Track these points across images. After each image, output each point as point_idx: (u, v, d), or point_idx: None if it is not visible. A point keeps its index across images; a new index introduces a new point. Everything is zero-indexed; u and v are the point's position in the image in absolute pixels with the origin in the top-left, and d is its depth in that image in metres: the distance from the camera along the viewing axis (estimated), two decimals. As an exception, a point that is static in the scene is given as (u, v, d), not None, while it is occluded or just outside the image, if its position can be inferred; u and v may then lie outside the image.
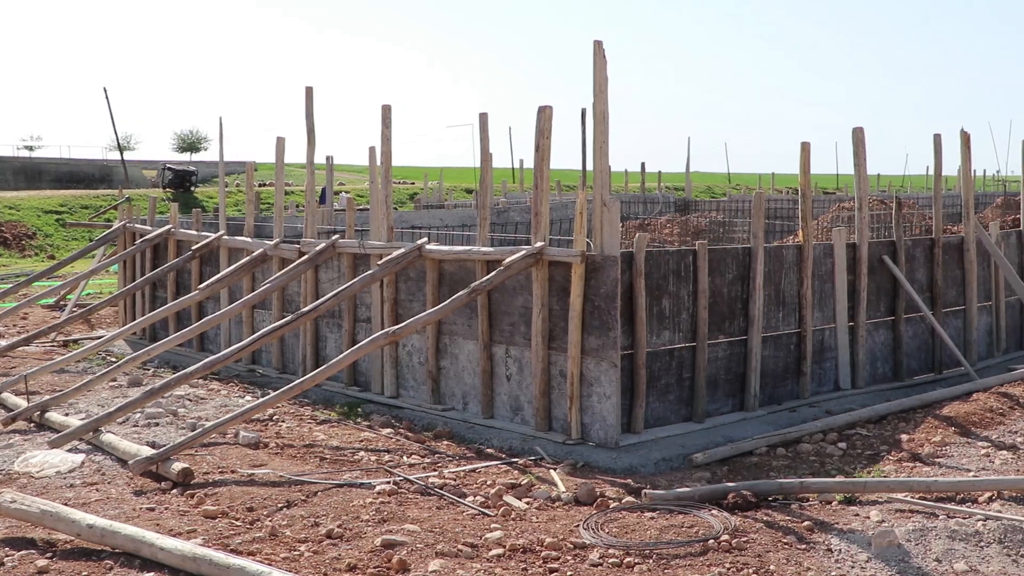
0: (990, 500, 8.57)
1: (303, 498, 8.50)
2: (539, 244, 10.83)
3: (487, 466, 9.86)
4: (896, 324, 14.16)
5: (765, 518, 8.13)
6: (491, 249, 11.54)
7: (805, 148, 12.75)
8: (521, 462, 10.00)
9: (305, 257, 13.64)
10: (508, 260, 10.85)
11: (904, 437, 10.74)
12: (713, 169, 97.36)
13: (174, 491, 8.71)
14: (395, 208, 37.39)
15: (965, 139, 15.51)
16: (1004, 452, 10.14)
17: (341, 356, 11.03)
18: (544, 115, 10.82)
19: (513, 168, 59.92)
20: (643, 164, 45.84)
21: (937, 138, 15.02)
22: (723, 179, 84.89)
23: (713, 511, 8.25)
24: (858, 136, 13.71)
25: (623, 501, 8.68)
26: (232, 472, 9.36)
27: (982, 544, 7.31)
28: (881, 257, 13.93)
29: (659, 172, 50.76)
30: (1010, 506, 8.39)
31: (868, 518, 8.11)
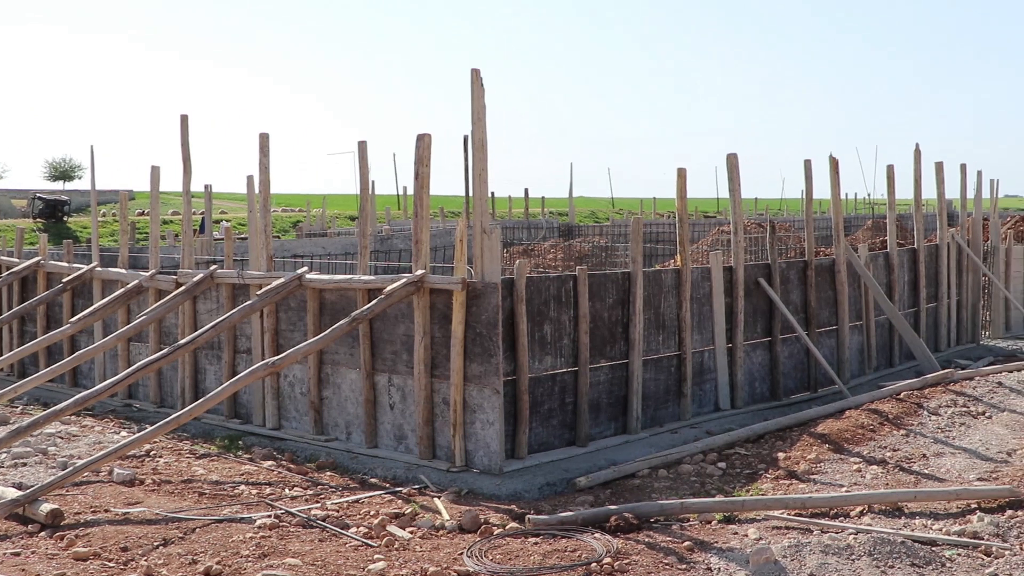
0: (861, 514, 8.84)
1: (180, 535, 8.29)
2: (420, 272, 10.81)
3: (371, 496, 9.76)
4: (773, 345, 14.52)
5: (647, 539, 8.22)
6: (372, 277, 11.47)
7: (681, 174, 13.02)
8: (405, 491, 9.93)
9: (182, 288, 13.35)
10: (389, 288, 10.80)
11: (781, 455, 10.99)
12: (597, 194, 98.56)
13: (42, 533, 8.40)
14: (278, 236, 37.02)
15: (834, 164, 16.03)
16: (875, 467, 10.46)
17: (220, 388, 10.81)
18: (423, 143, 10.83)
19: (398, 195, 59.71)
20: (527, 190, 46.31)
21: (807, 163, 15.50)
22: (607, 204, 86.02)
23: (596, 534, 8.31)
24: (732, 162, 14.05)
25: (507, 527, 8.68)
26: (105, 511, 9.07)
27: (853, 557, 7.51)
28: (757, 280, 14.28)
29: (543, 198, 51.24)
30: (880, 519, 8.67)
31: (746, 536, 8.28)
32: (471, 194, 10.82)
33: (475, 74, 10.35)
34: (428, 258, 10.97)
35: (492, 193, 49.68)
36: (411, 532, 8.55)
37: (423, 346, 10.82)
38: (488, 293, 10.45)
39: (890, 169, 17.89)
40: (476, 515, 8.84)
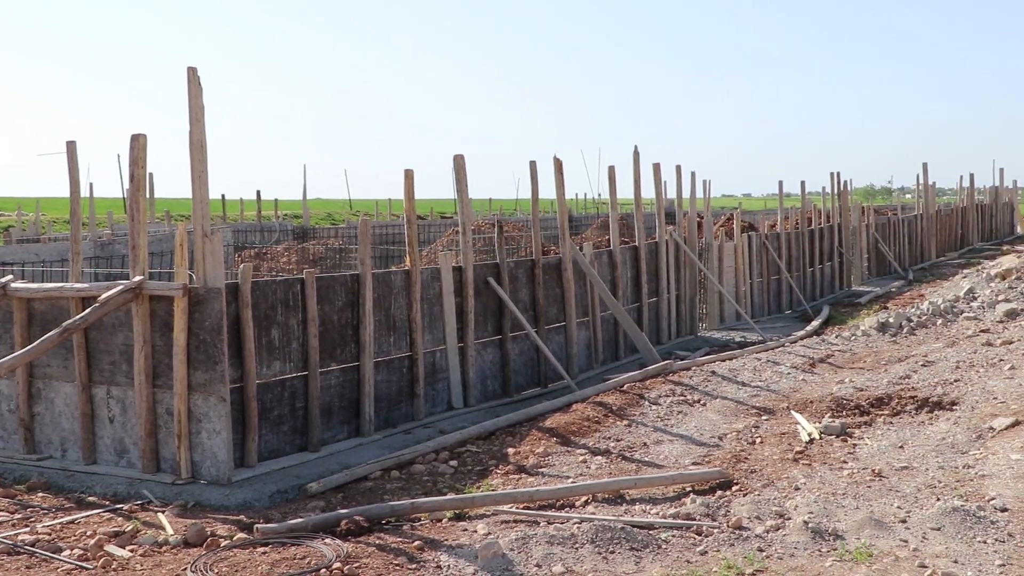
0: (586, 503, 9.16)
1: None
2: (138, 278, 10.34)
3: (88, 516, 9.24)
4: (504, 343, 14.82)
5: (378, 542, 8.19)
6: (86, 285, 10.88)
7: (409, 175, 13.06)
8: (126, 508, 9.47)
9: None
10: (104, 296, 10.27)
11: (511, 450, 11.24)
12: (335, 196, 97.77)
13: None
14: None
15: (558, 165, 16.54)
16: (599, 457, 10.87)
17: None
18: (138, 144, 10.37)
19: (123, 198, 57.14)
20: (259, 192, 45.30)
21: (533, 165, 15.92)
22: (344, 205, 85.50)
23: (326, 540, 8.21)
24: (459, 163, 14.23)
25: (235, 539, 8.43)
26: None
27: (577, 545, 7.76)
28: (487, 279, 14.54)
29: (276, 200, 50.30)
30: (603, 507, 9.01)
31: (476, 532, 8.40)
32: (192, 196, 10.44)
33: (192, 72, 10.00)
34: (147, 264, 10.51)
35: (223, 195, 48.36)
36: (131, 550, 8.15)
37: (144, 355, 10.36)
38: (211, 299, 10.12)
39: (611, 170, 18.66)
40: (202, 528, 8.55)
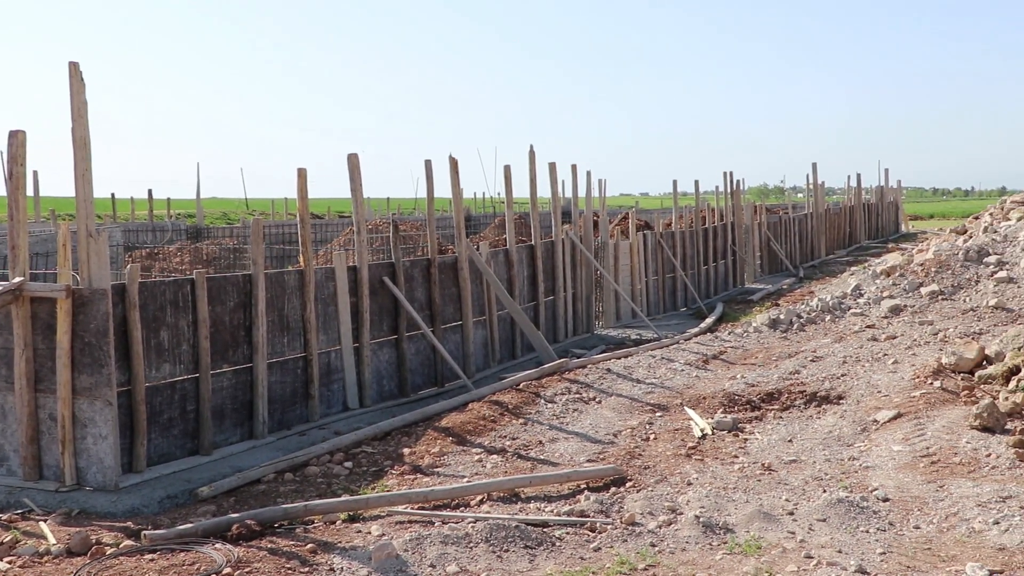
0: (481, 502, 9.16)
1: None
2: (17, 280, 10.00)
3: (-35, 526, 8.91)
4: (400, 342, 14.73)
5: (270, 546, 8.07)
6: (-36, 287, 10.49)
7: (302, 174, 12.89)
8: (6, 517, 9.14)
9: None
10: (-17, 298, 9.92)
11: (407, 451, 11.17)
12: (231, 195, 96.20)
13: None
14: None
15: (453, 164, 16.50)
16: (495, 456, 10.88)
17: None
18: (17, 140, 10.04)
19: (4, 196, 55.39)
20: (150, 191, 44.28)
21: (428, 163, 15.84)
22: (240, 205, 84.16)
23: (217, 545, 8.06)
24: (353, 162, 14.10)
25: (121, 546, 8.21)
26: None
27: (471, 545, 7.75)
28: (382, 279, 14.44)
29: (168, 199, 49.27)
30: (498, 506, 9.02)
31: (370, 533, 8.34)
32: (75, 195, 10.14)
33: (73, 68, 9.71)
34: (27, 264, 10.18)
35: (112, 194, 47.20)
36: (9, 562, 7.87)
37: (24, 359, 10.03)
38: (97, 300, 9.85)
39: (507, 169, 18.69)
40: (87, 536, 8.31)
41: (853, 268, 32.30)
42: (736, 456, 10.55)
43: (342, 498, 9.31)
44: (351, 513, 8.90)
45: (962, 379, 12.73)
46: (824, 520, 8.14)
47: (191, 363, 11.27)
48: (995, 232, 22.91)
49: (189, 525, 8.48)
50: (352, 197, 14.29)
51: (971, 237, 23.98)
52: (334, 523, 8.73)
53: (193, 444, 11.31)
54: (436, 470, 10.48)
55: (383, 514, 8.91)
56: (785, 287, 29.94)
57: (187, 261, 29.20)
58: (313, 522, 8.78)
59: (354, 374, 13.79)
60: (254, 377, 12.05)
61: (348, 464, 10.88)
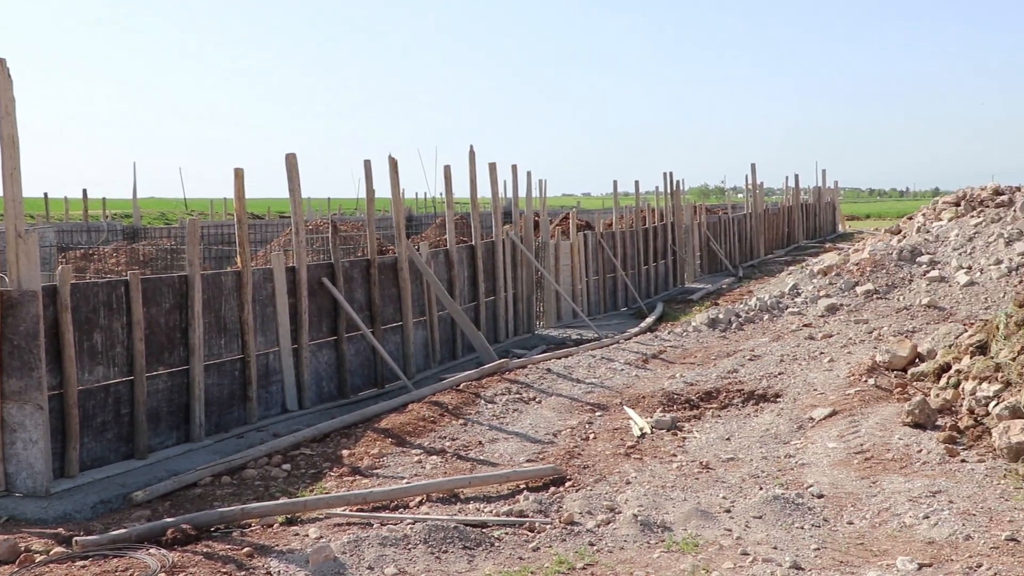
0: (420, 503, 9.13)
1: None
2: (-55, 281, 9.80)
3: None
4: (339, 343, 14.63)
5: (205, 550, 7.97)
6: None
7: (239, 174, 12.76)
8: (-68, 525, 8.96)
9: None
10: (-91, 300, 9.69)
11: (345, 452, 11.10)
12: (169, 195, 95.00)
13: None
14: None
15: (393, 164, 16.43)
16: (435, 457, 10.85)
17: None
18: (-56, 139, 9.82)
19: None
20: (85, 191, 43.56)
21: (367, 164, 15.75)
22: (179, 205, 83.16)
23: (151, 550, 7.94)
24: (291, 162, 13.98)
25: (51, 553, 8.06)
26: None
27: (410, 546, 7.72)
28: (321, 279, 14.33)
29: (103, 199, 48.53)
30: (437, 507, 8.99)
31: (308, 536, 8.27)
32: (3, 195, 9.94)
33: (0, 64, 9.52)
34: (-45, 266, 9.98)
35: (45, 194, 46.40)
36: (-65, 570, 7.72)
37: (-48, 363, 9.82)
38: (26, 302, 9.67)
39: (447, 169, 18.65)
40: (15, 543, 8.14)
41: (791, 268, 32.69)
42: (675, 455, 10.63)
43: (280, 501, 9.22)
44: (289, 516, 8.83)
45: (896, 377, 12.95)
46: (760, 517, 8.23)
47: (125, 366, 11.11)
48: (928, 232, 23.34)
49: (123, 530, 8.35)
50: (290, 197, 14.18)
51: (905, 237, 24.41)
52: (272, 526, 8.65)
53: (128, 448, 11.15)
54: (375, 471, 10.42)
55: (321, 516, 8.84)
56: (724, 287, 30.23)
57: (123, 262, 28.77)
58: (250, 525, 8.69)
59: (293, 376, 13.68)
60: (190, 379, 11.90)
61: (286, 466, 10.78)
